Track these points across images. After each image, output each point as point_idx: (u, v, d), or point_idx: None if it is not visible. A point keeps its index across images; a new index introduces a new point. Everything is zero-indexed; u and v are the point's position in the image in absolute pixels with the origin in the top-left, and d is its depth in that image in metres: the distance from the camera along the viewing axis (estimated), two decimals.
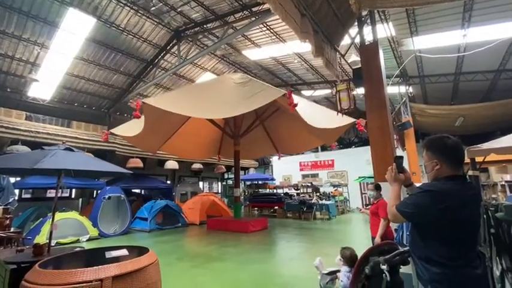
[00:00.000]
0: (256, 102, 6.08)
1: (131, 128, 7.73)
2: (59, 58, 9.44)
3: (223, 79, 8.59)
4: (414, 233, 1.52)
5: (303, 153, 18.60)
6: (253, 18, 8.03)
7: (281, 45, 10.13)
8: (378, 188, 3.83)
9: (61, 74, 10.19)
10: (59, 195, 3.98)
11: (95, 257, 2.93)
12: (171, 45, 10.36)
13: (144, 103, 5.95)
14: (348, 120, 7.85)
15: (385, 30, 7.20)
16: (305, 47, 9.10)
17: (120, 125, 8.81)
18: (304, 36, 4.19)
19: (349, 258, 2.65)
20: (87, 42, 9.17)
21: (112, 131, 8.50)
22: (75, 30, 8.53)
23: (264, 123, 10.94)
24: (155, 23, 9.26)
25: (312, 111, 7.27)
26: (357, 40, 5.70)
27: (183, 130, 10.19)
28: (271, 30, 9.43)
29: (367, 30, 5.43)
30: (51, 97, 11.10)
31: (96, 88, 11.61)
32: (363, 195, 16.21)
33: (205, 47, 10.01)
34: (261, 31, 9.50)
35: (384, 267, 2.00)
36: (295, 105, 5.46)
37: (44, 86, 10.33)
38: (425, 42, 7.47)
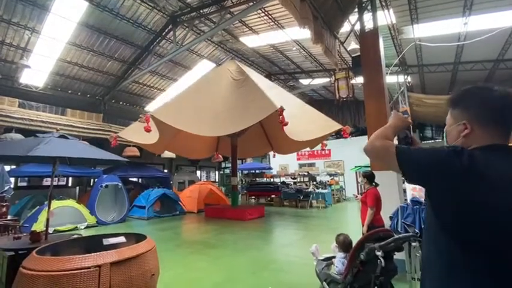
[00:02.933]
0: (250, 119, 6.67)
1: (138, 131, 7.77)
2: (50, 43, 9.15)
3: (222, 72, 8.87)
4: (430, 245, 0.90)
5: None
6: (251, 3, 7.79)
7: (279, 31, 9.91)
8: (367, 176, 3.80)
9: (53, 60, 9.92)
10: (55, 183, 3.96)
11: (93, 244, 2.95)
12: (166, 30, 10.09)
13: (153, 116, 6.40)
14: (334, 126, 8.24)
15: (385, 17, 7.06)
16: (304, 34, 8.93)
17: (127, 128, 9.12)
18: (303, 22, 4.10)
19: (344, 244, 2.69)
20: (80, 27, 8.87)
21: (120, 134, 8.82)
22: (66, 14, 8.23)
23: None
24: (150, 8, 8.97)
25: (300, 119, 7.60)
26: (357, 27, 5.59)
27: (183, 131, 10.17)
28: (270, 16, 9.20)
29: (367, 17, 5.32)
30: (44, 84, 10.85)
31: (90, 75, 11.35)
32: (358, 184, 16.42)
33: (201, 33, 9.78)
34: (259, 17, 9.26)
35: (379, 253, 2.04)
36: (286, 124, 5.84)
37: (36, 72, 10.07)
38: (425, 31, 7.35)
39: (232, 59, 11.69)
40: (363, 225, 3.84)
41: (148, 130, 6.51)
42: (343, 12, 5.69)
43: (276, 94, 8.30)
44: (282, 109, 5.81)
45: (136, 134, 8.19)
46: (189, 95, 8.14)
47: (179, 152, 11.63)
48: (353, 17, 6.25)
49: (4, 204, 5.49)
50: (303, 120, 7.86)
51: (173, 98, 7.99)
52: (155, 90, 13.57)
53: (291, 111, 7.07)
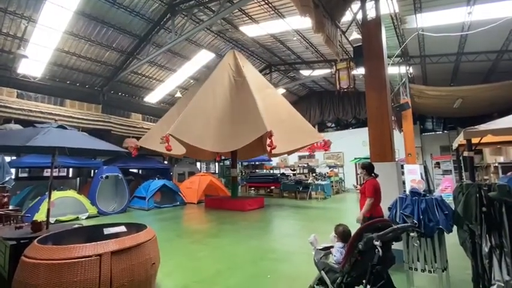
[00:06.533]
0: (245, 138, 7.85)
1: (157, 138, 8.51)
2: (47, 33, 8.98)
3: (224, 68, 9.64)
4: None
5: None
6: None
7: (280, 21, 9.74)
8: (366, 168, 3.79)
9: (51, 50, 9.76)
10: (56, 174, 3.97)
11: (94, 234, 2.97)
12: (165, 19, 9.90)
13: (171, 135, 7.38)
14: (316, 138, 9.32)
15: (388, 6, 6.89)
16: (304, 23, 8.77)
17: (145, 136, 10.23)
18: (304, 10, 4.00)
19: (343, 234, 2.71)
20: (76, 15, 8.69)
21: (139, 143, 9.64)
22: (62, 2, 8.05)
23: None
24: None
25: (286, 125, 8.80)
26: (359, 16, 5.48)
27: None
28: (270, 5, 9.01)
29: (369, 5, 5.19)
30: (42, 74, 10.73)
31: (88, 65, 11.21)
32: (358, 176, 16.46)
33: (200, 22, 9.60)
34: (259, 5, 9.06)
35: (377, 243, 2.06)
36: (274, 147, 6.82)
37: (34, 62, 9.94)
38: (429, 20, 7.20)
39: (231, 48, 11.54)
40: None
41: (169, 149, 7.23)
42: (345, 1, 5.57)
43: (268, 95, 9.65)
44: (271, 134, 6.81)
45: (156, 142, 8.73)
46: (200, 101, 8.78)
47: (191, 155, 12.36)
48: (355, 6, 6.11)
49: (5, 194, 5.52)
50: (289, 126, 8.93)
51: (187, 108, 8.58)
52: (154, 81, 13.43)
53: (280, 116, 8.64)
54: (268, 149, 7.12)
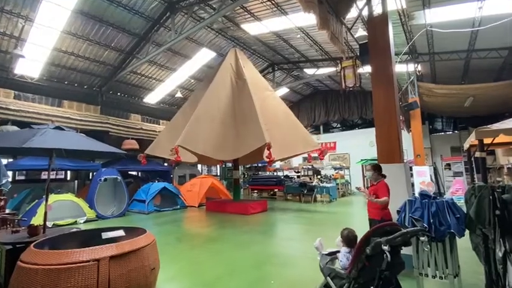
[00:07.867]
0: (246, 147, 8.06)
1: (164, 146, 8.71)
2: (45, 32, 8.85)
3: (227, 70, 9.70)
4: None
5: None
6: None
7: (283, 18, 9.59)
8: (377, 168, 3.78)
9: (48, 50, 9.63)
10: (53, 176, 3.87)
11: (92, 238, 2.94)
12: (164, 18, 9.77)
13: (180, 146, 7.55)
14: (312, 146, 9.57)
15: (395, 1, 6.71)
16: (308, 20, 8.63)
17: (154, 143, 10.19)
18: (308, 6, 3.88)
19: (348, 238, 2.60)
20: (74, 14, 8.56)
21: (147, 152, 9.60)
22: (60, 0, 7.93)
23: None
24: None
25: (283, 129, 9.03)
26: (365, 13, 5.33)
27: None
28: (272, 1, 8.87)
29: (375, 1, 5.04)
30: (40, 75, 10.60)
31: (86, 65, 11.08)
32: (365, 178, 16.20)
33: (201, 20, 9.46)
34: (262, 2, 8.92)
35: (386, 247, 1.93)
36: (272, 159, 7.13)
37: (31, 62, 9.81)
38: (437, 16, 6.99)
39: (233, 47, 11.39)
40: (370, 219, 3.78)
41: (179, 160, 7.41)
42: None
43: (267, 97, 9.84)
44: (269, 146, 7.03)
45: (163, 149, 8.84)
46: (205, 107, 8.89)
47: (201, 162, 12.83)
48: (361, 2, 5.96)
49: (2, 198, 5.40)
50: (285, 132, 9.04)
51: (194, 115, 8.65)
52: (154, 80, 13.30)
53: (277, 121, 8.91)
54: (267, 160, 7.25)
